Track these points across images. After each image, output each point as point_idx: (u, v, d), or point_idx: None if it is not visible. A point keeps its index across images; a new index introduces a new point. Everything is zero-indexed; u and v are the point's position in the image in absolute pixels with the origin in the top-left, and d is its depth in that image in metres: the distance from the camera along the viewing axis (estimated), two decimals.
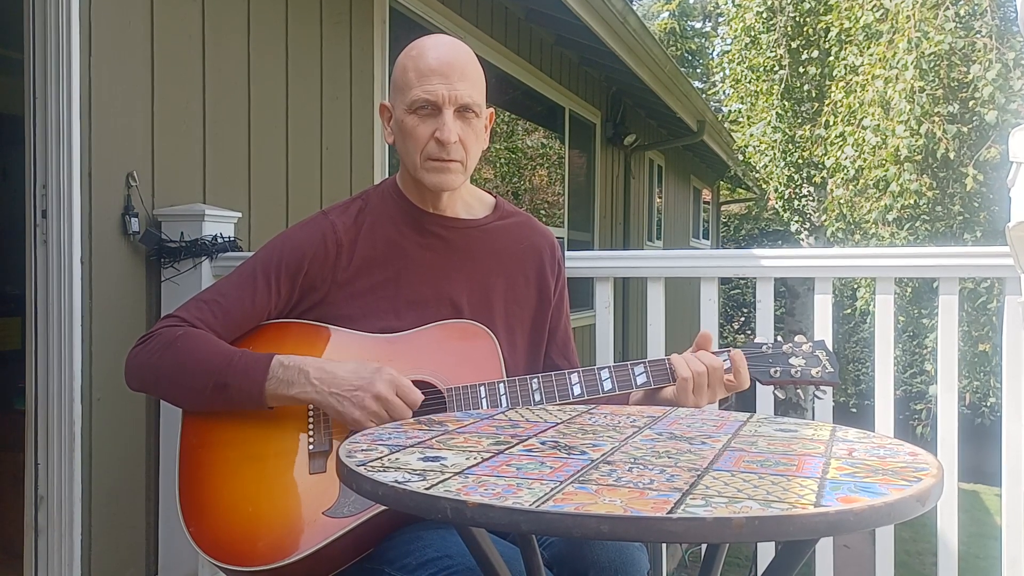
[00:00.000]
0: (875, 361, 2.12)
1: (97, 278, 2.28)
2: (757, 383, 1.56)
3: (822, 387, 1.56)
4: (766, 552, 2.25)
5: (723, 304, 16.25)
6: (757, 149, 9.19)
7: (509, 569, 1.15)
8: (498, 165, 5.99)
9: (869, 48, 7.20)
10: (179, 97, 2.57)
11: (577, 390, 1.50)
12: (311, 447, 1.46)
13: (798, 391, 1.55)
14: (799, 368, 1.53)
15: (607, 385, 1.51)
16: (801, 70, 8.47)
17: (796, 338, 1.57)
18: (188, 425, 1.50)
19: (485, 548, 1.11)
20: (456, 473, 0.95)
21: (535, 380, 1.50)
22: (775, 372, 1.53)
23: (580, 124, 7.04)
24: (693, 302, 2.32)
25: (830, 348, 1.60)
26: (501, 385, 1.49)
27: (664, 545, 2.75)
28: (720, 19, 18.64)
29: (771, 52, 8.56)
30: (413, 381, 1.50)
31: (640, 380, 1.51)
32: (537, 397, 1.48)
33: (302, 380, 1.42)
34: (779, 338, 1.59)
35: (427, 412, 1.43)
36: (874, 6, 7.14)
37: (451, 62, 1.51)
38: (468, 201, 1.66)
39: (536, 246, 1.70)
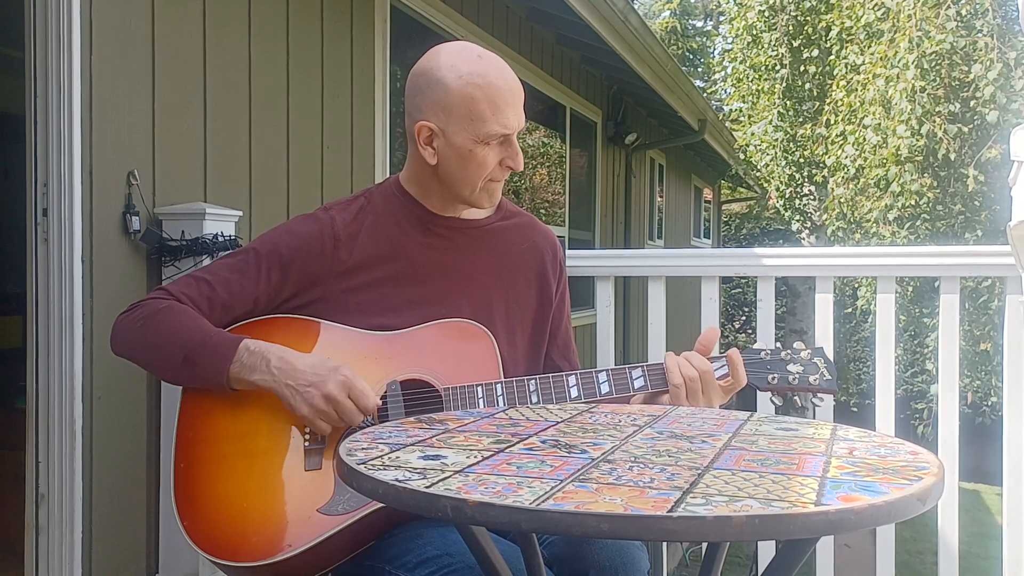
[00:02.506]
0: (876, 360, 2.12)
1: (98, 276, 2.28)
2: (756, 390, 1.56)
3: (820, 395, 1.56)
4: (767, 551, 2.25)
5: (724, 303, 16.25)
6: (758, 148, 9.19)
7: (509, 568, 1.15)
8: None
9: (870, 47, 7.20)
10: (180, 95, 2.57)
11: (575, 393, 1.50)
12: (307, 444, 1.46)
13: (795, 397, 1.55)
14: (797, 375, 1.53)
15: (604, 388, 1.51)
16: (802, 69, 8.46)
17: (795, 345, 1.57)
18: (184, 419, 1.50)
19: (485, 546, 1.11)
20: (456, 472, 0.95)
21: (532, 382, 1.50)
22: (773, 379, 1.53)
23: (581, 123, 7.04)
24: (694, 301, 2.32)
25: (829, 356, 1.59)
26: (499, 386, 1.49)
27: (665, 544, 2.75)
28: (721, 18, 18.66)
29: (772, 51, 8.55)
30: (410, 380, 1.50)
31: (638, 384, 1.51)
32: (534, 399, 1.48)
33: (263, 367, 1.42)
34: (778, 345, 1.59)
35: (424, 412, 1.43)
36: (875, 5, 7.14)
37: (516, 90, 1.51)
38: None
39: (538, 247, 1.70)
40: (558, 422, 1.24)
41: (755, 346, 1.60)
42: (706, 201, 15.43)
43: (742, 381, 1.52)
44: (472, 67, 1.49)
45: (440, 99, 1.49)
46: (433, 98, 1.50)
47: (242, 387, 1.45)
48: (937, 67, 6.69)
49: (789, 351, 1.56)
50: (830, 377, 1.54)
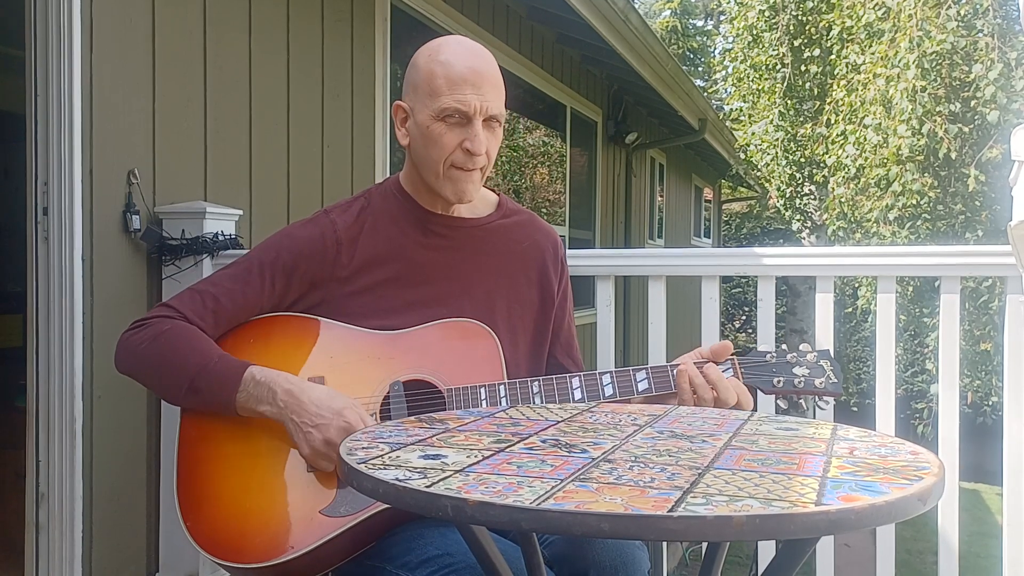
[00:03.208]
0: (876, 360, 2.12)
1: (98, 275, 2.28)
2: (760, 392, 1.55)
3: (825, 398, 1.54)
4: (767, 551, 2.25)
5: (724, 303, 16.25)
6: (759, 147, 9.18)
7: (510, 567, 1.15)
8: (499, 163, 5.98)
9: (871, 47, 7.19)
10: (180, 94, 2.57)
11: (578, 395, 1.50)
12: None
13: (800, 400, 1.54)
14: (803, 378, 1.51)
15: (608, 390, 1.50)
16: (803, 68, 8.46)
17: (800, 347, 1.55)
18: (187, 418, 1.50)
19: (486, 546, 1.11)
20: (457, 471, 0.95)
21: (536, 383, 1.49)
22: (778, 382, 1.51)
23: (581, 122, 7.03)
24: (695, 300, 2.32)
25: (834, 357, 1.58)
26: (501, 387, 1.48)
27: (665, 544, 2.75)
28: (722, 17, 18.64)
29: (773, 50, 8.55)
30: (413, 380, 1.50)
31: (642, 386, 1.50)
32: (537, 401, 1.48)
33: (270, 398, 1.42)
34: (783, 347, 1.57)
35: (427, 413, 1.43)
36: (876, 4, 7.13)
37: (482, 71, 1.50)
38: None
39: (539, 245, 1.69)
40: (558, 421, 1.24)
41: (760, 348, 1.58)
42: (706, 200, 15.42)
43: (748, 404, 1.51)
44: (442, 48, 1.53)
45: (411, 78, 1.54)
46: (408, 79, 1.56)
47: (248, 415, 1.44)
48: (938, 67, 6.68)
49: (795, 354, 1.54)
50: (836, 380, 1.52)
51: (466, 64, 1.50)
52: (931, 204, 6.87)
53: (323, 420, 1.39)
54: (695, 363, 1.51)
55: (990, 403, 7.62)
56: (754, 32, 8.69)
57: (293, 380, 1.43)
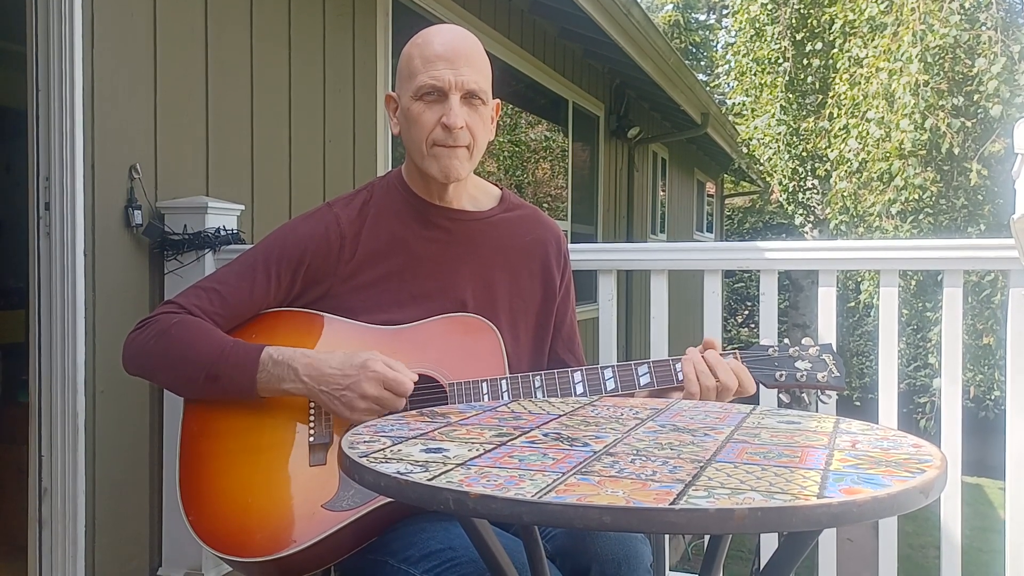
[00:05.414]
0: (879, 354, 2.11)
1: (100, 271, 2.28)
2: (762, 386, 1.55)
3: (828, 391, 1.54)
4: (769, 544, 2.25)
5: (727, 297, 16.25)
6: (761, 142, 9.18)
7: (512, 561, 1.15)
8: (501, 158, 5.98)
9: (873, 40, 7.19)
10: (182, 89, 2.57)
11: (580, 389, 1.50)
12: (311, 439, 1.46)
13: (803, 394, 1.54)
14: (805, 372, 1.51)
15: (610, 384, 1.50)
16: (806, 62, 8.45)
17: (803, 341, 1.55)
18: (189, 413, 1.50)
19: (488, 540, 1.11)
20: (458, 464, 0.95)
21: (538, 377, 1.50)
22: (780, 376, 1.51)
23: (583, 117, 7.03)
24: (697, 295, 2.32)
25: (836, 352, 1.58)
26: (503, 381, 1.49)
27: (667, 537, 2.75)
28: (725, 11, 18.61)
29: (776, 44, 8.54)
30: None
31: (644, 381, 1.51)
32: (539, 395, 1.48)
33: (292, 376, 1.42)
34: (785, 341, 1.57)
35: (429, 407, 1.43)
36: None
37: (457, 48, 1.51)
38: (473, 193, 1.66)
39: (542, 239, 1.69)
40: (560, 415, 1.24)
41: (762, 342, 1.59)
42: (709, 195, 15.40)
43: (751, 388, 1.51)
44: (422, 32, 1.55)
45: (398, 68, 1.57)
46: (397, 70, 1.57)
47: (270, 395, 1.45)
48: (940, 61, 6.67)
49: (797, 348, 1.54)
50: (838, 374, 1.52)
51: (440, 42, 1.51)
52: (933, 198, 6.88)
53: (351, 379, 1.40)
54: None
55: (992, 397, 7.62)
56: (756, 26, 8.69)
57: (310, 354, 1.44)
